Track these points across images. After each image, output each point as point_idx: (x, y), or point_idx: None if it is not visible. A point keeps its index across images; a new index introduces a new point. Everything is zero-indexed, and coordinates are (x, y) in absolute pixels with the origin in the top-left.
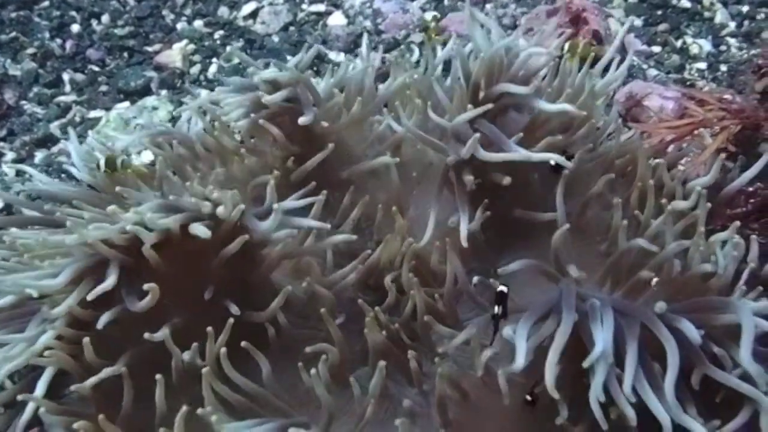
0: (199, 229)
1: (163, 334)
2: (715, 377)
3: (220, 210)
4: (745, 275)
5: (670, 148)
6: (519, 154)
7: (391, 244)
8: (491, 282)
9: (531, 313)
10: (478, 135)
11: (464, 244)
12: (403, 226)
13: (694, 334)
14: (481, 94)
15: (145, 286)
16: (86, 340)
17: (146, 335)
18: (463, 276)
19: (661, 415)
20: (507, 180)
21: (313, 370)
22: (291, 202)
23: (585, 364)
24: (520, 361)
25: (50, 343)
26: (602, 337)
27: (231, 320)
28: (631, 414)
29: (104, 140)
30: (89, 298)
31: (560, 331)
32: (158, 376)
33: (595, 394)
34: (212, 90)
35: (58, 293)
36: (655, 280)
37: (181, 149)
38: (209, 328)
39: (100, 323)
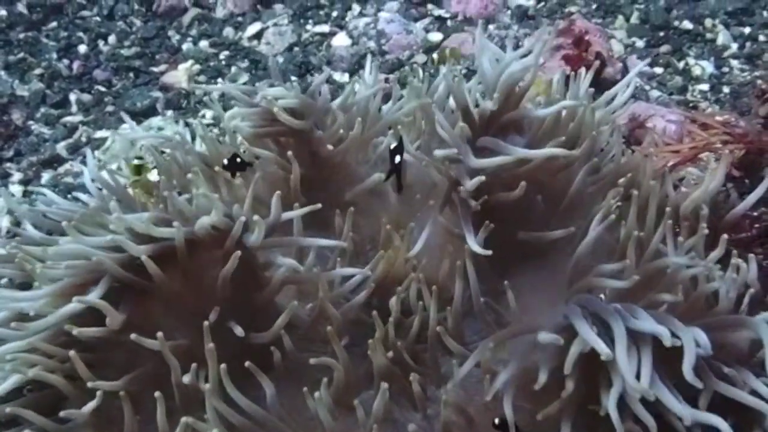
0: (203, 220)
1: (158, 343)
2: (724, 392)
3: (215, 219)
4: (746, 299)
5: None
6: (517, 153)
7: (388, 259)
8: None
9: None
10: (482, 178)
11: (481, 251)
12: (401, 244)
13: (704, 340)
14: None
15: (91, 298)
16: (72, 353)
17: (133, 336)
18: (477, 292)
19: (681, 412)
20: (519, 189)
21: (316, 393)
22: (288, 213)
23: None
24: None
25: (32, 358)
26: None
27: (206, 323)
28: (651, 423)
29: (110, 160)
30: (61, 316)
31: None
32: (157, 394)
33: (615, 400)
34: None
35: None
36: (667, 296)
37: (184, 164)
38: (209, 346)
39: (75, 331)
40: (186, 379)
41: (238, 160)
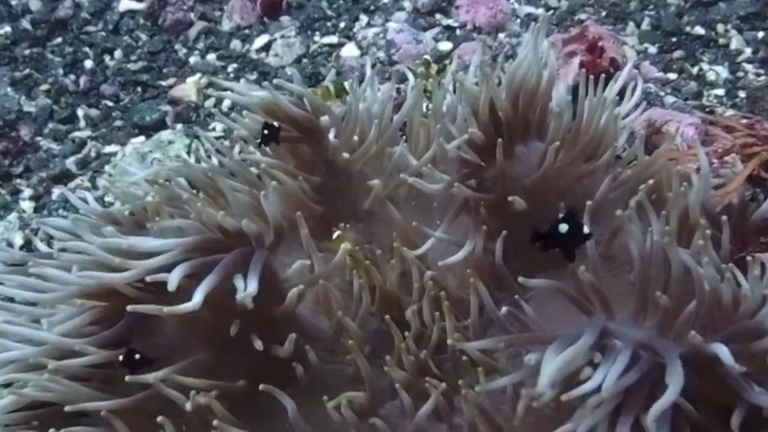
0: (246, 300)
1: (153, 376)
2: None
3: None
4: None
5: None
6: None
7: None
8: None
9: (560, 342)
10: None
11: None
12: (398, 250)
13: (727, 357)
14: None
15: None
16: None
17: (128, 378)
18: (491, 303)
19: None
20: (521, 204)
21: (343, 410)
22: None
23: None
24: (544, 384)
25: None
26: (600, 375)
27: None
28: None
29: (121, 175)
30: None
31: (574, 347)
32: (161, 419)
33: None
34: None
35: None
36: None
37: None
38: (196, 381)
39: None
40: (188, 406)
41: (266, 132)
